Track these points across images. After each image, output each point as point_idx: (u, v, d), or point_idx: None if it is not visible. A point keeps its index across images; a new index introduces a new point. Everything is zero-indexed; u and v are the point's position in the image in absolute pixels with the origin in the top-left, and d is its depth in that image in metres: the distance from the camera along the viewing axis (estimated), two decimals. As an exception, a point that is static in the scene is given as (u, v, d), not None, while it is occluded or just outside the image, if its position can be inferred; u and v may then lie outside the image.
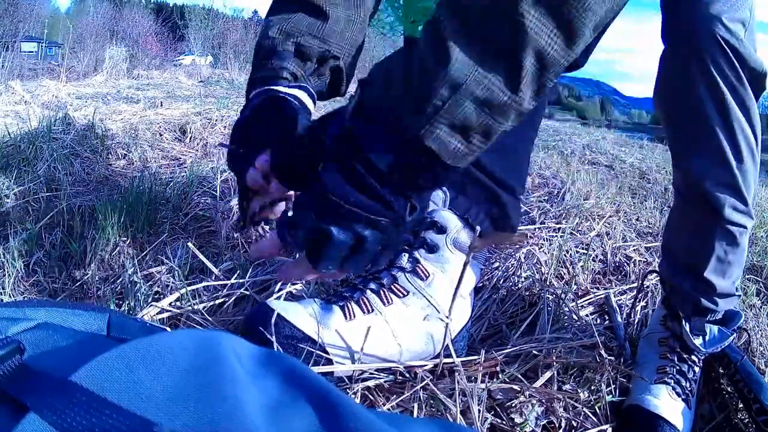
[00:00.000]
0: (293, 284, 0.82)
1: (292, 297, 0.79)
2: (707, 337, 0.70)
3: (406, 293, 0.66)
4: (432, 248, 0.68)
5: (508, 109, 0.38)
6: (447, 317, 0.64)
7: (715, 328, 0.71)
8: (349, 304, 0.65)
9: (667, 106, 0.70)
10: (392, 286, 0.66)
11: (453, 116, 0.37)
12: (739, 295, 0.74)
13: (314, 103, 0.65)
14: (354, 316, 0.63)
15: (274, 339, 0.59)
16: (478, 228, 0.54)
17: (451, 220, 0.67)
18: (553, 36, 0.35)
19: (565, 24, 0.35)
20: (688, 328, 0.70)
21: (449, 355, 0.63)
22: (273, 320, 0.60)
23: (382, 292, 0.66)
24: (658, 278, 0.82)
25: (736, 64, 0.61)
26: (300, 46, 0.65)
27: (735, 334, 0.72)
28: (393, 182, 0.40)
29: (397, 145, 0.39)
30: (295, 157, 0.48)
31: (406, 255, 0.68)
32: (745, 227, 0.68)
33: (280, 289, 0.82)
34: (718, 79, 0.62)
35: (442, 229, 0.68)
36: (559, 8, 0.35)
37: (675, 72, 0.67)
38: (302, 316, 0.61)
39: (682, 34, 0.64)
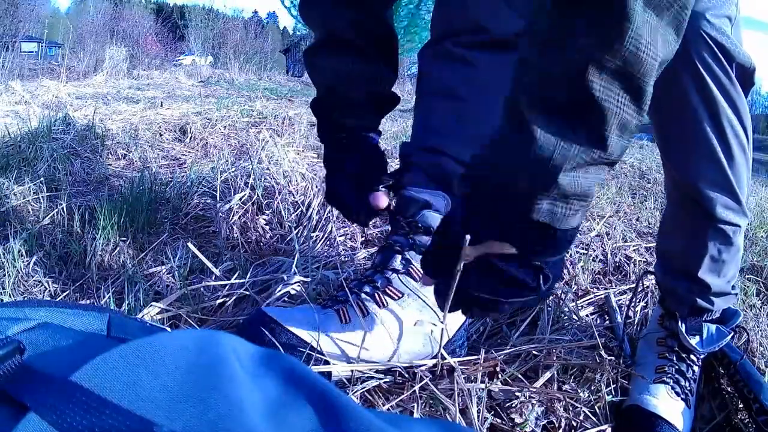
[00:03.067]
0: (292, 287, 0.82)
1: (290, 298, 0.79)
2: (704, 336, 0.70)
3: (400, 295, 0.66)
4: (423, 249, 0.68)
5: (598, 165, 0.41)
6: (441, 320, 0.64)
7: (713, 326, 0.71)
8: (344, 308, 0.64)
9: (655, 104, 0.69)
10: (387, 289, 0.66)
11: (551, 191, 0.40)
12: (736, 294, 0.74)
13: None
14: (350, 320, 0.63)
15: (276, 342, 0.59)
16: (467, 237, 0.53)
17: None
18: (622, 98, 0.38)
19: (630, 86, 0.38)
20: (684, 329, 0.70)
21: (449, 354, 0.63)
22: (269, 326, 0.60)
23: (377, 295, 0.66)
24: (654, 279, 0.82)
25: (724, 61, 0.60)
26: (377, 96, 0.74)
27: (733, 334, 0.72)
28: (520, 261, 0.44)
29: (513, 228, 0.43)
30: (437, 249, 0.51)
31: (399, 257, 0.68)
32: (738, 226, 0.67)
33: (279, 290, 0.82)
34: (706, 76, 0.61)
35: (430, 231, 0.67)
36: (622, 73, 0.37)
37: (662, 70, 0.66)
38: (298, 321, 0.61)
39: None
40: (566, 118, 0.39)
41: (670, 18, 0.38)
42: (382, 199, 0.68)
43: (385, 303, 0.65)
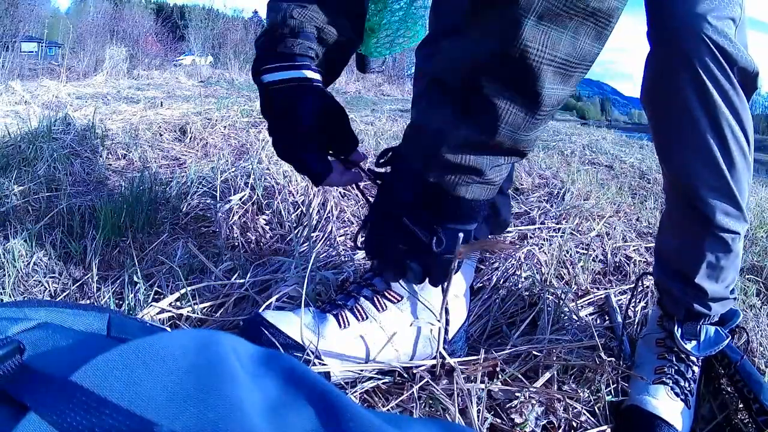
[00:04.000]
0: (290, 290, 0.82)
1: (289, 298, 0.79)
2: (702, 339, 0.69)
3: (400, 298, 0.66)
4: None
5: (492, 149, 0.50)
6: (439, 320, 0.64)
7: (712, 329, 0.70)
8: (343, 313, 0.64)
9: (654, 108, 0.68)
10: (386, 292, 0.66)
11: (446, 161, 0.50)
12: (735, 298, 0.73)
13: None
14: (348, 324, 0.63)
15: (277, 344, 0.59)
16: (461, 234, 0.55)
17: None
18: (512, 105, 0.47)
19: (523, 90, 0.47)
20: (679, 333, 0.70)
21: (449, 355, 0.63)
22: (268, 331, 0.59)
23: (375, 299, 0.65)
24: (653, 280, 0.82)
25: (725, 65, 0.59)
26: (321, 32, 0.67)
27: (731, 338, 0.71)
28: (420, 219, 0.54)
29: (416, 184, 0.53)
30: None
31: None
32: (737, 233, 0.66)
33: (279, 290, 0.82)
34: (707, 81, 0.59)
35: None
36: (514, 78, 0.46)
37: (662, 74, 0.64)
38: (296, 325, 0.61)
39: (667, 34, 0.61)
40: (460, 105, 0.48)
41: (574, 25, 0.44)
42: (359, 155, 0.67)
43: (384, 307, 0.65)
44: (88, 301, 0.83)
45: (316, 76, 0.65)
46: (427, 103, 0.52)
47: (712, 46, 0.58)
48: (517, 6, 0.42)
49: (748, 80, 0.62)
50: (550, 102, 0.47)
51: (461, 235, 0.56)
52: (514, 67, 0.45)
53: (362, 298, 0.65)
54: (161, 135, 2.01)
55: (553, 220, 1.38)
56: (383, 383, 0.63)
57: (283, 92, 0.63)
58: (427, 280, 0.67)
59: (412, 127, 0.56)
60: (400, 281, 0.67)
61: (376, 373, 0.63)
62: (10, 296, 0.82)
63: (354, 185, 0.70)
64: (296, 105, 0.62)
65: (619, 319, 0.87)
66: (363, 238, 0.64)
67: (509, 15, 0.43)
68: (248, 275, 0.87)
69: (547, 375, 0.65)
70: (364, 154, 0.69)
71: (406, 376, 0.63)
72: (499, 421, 0.59)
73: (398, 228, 0.56)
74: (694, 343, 0.70)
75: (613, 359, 0.69)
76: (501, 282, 0.95)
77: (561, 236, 1.20)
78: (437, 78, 0.51)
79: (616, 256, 1.17)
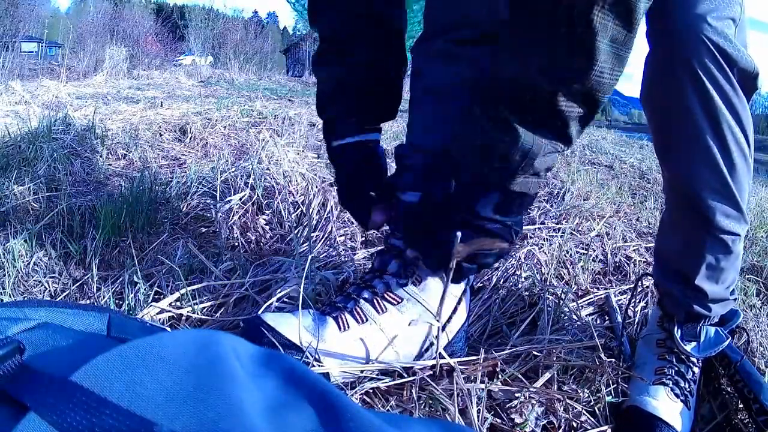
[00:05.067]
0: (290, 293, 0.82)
1: (289, 299, 0.79)
2: (702, 340, 0.69)
3: (399, 300, 0.65)
4: None
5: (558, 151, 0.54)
6: (438, 320, 0.64)
7: (712, 329, 0.70)
8: (343, 315, 0.64)
9: (653, 109, 0.67)
10: (386, 294, 0.66)
11: (528, 171, 0.53)
12: (735, 299, 0.73)
13: None
14: (348, 327, 0.63)
15: (278, 345, 0.59)
16: (458, 234, 0.56)
17: None
18: (581, 109, 0.50)
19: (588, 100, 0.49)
20: (679, 335, 0.70)
21: (449, 355, 0.63)
22: (268, 333, 0.59)
23: (375, 301, 0.65)
24: (653, 281, 0.82)
25: (725, 66, 0.59)
26: (370, 95, 0.74)
27: (731, 339, 0.71)
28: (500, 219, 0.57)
29: (497, 196, 0.56)
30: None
31: (397, 261, 0.67)
32: (737, 235, 0.66)
33: (279, 291, 0.82)
34: (707, 82, 0.59)
35: None
36: (585, 93, 0.48)
37: (661, 75, 0.63)
38: (296, 328, 0.61)
39: (666, 35, 0.61)
40: (539, 121, 0.50)
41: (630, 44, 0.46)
42: (379, 216, 0.70)
43: (384, 309, 0.65)
44: (88, 301, 0.83)
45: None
46: (502, 133, 0.52)
47: (711, 46, 0.58)
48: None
49: (748, 81, 0.61)
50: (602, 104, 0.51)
51: (459, 234, 0.56)
52: (587, 88, 0.47)
53: (362, 300, 0.65)
54: (161, 135, 2.01)
55: (553, 220, 1.38)
56: (383, 384, 0.63)
57: (344, 154, 0.74)
58: (427, 280, 0.67)
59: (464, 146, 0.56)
60: (399, 282, 0.67)
61: (376, 374, 0.63)
62: (10, 296, 0.82)
63: None
64: (351, 165, 0.74)
65: (619, 320, 0.87)
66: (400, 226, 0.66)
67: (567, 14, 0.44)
68: (248, 275, 0.87)
69: (547, 375, 0.65)
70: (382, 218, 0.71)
71: (405, 376, 0.63)
72: (499, 421, 0.59)
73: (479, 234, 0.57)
74: (694, 344, 0.69)
75: (613, 359, 0.69)
76: (501, 282, 0.95)
77: (561, 236, 1.20)
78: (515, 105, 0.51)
79: (616, 256, 1.17)
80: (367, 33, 0.70)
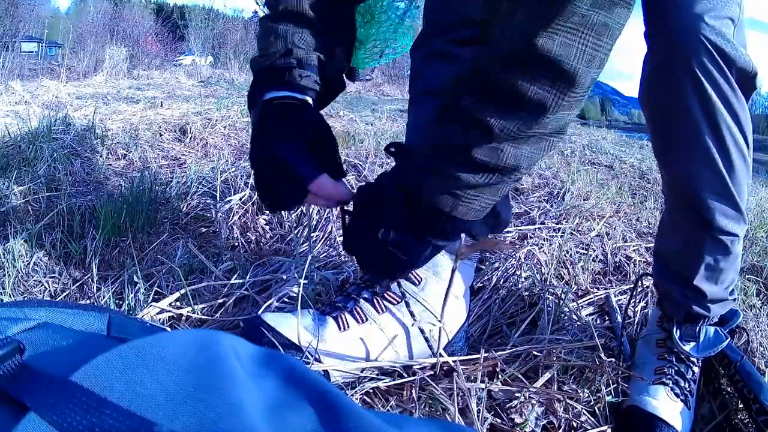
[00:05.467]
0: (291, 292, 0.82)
1: (289, 299, 0.79)
2: (701, 340, 0.69)
3: (399, 300, 0.65)
4: None
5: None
6: (439, 321, 0.64)
7: (711, 329, 0.70)
8: (342, 315, 0.64)
9: (652, 109, 0.67)
10: (385, 294, 0.66)
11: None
12: (735, 299, 0.73)
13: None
14: (348, 327, 0.63)
15: (278, 345, 0.59)
16: (462, 236, 0.55)
17: None
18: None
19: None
20: (678, 335, 0.70)
21: (449, 356, 0.63)
22: (268, 333, 0.59)
23: (375, 301, 0.65)
24: (652, 281, 0.82)
25: (723, 66, 0.58)
26: (321, 65, 0.65)
27: (730, 338, 0.71)
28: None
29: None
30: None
31: None
32: (736, 235, 0.66)
33: (279, 291, 0.82)
34: (704, 82, 0.59)
35: None
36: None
37: (659, 75, 0.63)
38: (296, 328, 0.61)
39: (664, 35, 0.60)
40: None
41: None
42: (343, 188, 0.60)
43: (384, 308, 0.65)
44: (88, 301, 0.83)
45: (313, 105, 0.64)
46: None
47: (709, 46, 0.57)
48: None
49: (747, 80, 0.61)
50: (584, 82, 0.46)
51: (463, 235, 0.56)
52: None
53: (362, 300, 0.65)
54: (161, 135, 2.01)
55: (553, 220, 1.38)
56: (383, 384, 0.63)
57: (284, 106, 0.61)
58: (427, 280, 0.67)
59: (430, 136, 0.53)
60: (399, 281, 0.67)
61: (376, 374, 0.63)
62: (10, 296, 0.82)
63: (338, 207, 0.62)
64: (294, 116, 0.60)
65: (619, 320, 0.87)
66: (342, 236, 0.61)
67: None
68: (248, 275, 0.87)
69: (547, 375, 0.65)
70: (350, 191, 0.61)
71: (406, 376, 0.63)
72: (499, 421, 0.59)
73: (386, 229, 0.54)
74: (693, 344, 0.69)
75: (613, 359, 0.69)
76: (501, 282, 0.95)
77: (561, 236, 1.20)
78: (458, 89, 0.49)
79: (616, 256, 1.17)
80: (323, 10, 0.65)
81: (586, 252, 1.16)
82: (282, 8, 0.64)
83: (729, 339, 0.70)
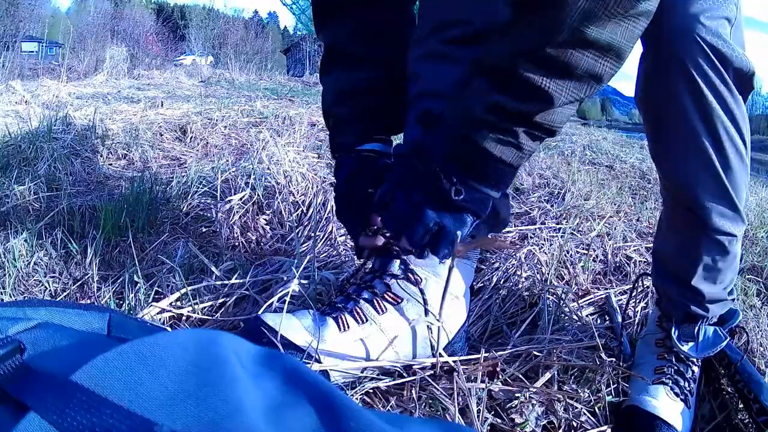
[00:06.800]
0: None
1: (290, 299, 0.79)
2: (700, 340, 0.69)
3: (399, 300, 0.65)
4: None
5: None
6: (438, 320, 0.64)
7: (711, 329, 0.70)
8: (343, 316, 0.64)
9: (648, 109, 0.67)
10: (386, 295, 0.66)
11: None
12: (734, 299, 0.73)
13: None
14: (348, 327, 0.63)
15: (279, 346, 0.59)
16: (458, 233, 0.55)
17: None
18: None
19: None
20: (676, 335, 0.70)
21: (449, 356, 0.63)
22: (267, 334, 0.59)
23: (375, 301, 0.65)
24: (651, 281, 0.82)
25: (719, 66, 0.58)
26: (371, 108, 0.72)
27: (730, 338, 0.71)
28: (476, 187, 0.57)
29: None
30: None
31: (397, 262, 0.67)
32: (734, 235, 0.66)
33: (280, 291, 0.82)
34: (700, 82, 0.58)
35: None
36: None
37: (655, 75, 0.63)
38: (296, 329, 0.61)
39: (660, 35, 0.60)
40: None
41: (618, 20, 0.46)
42: (367, 241, 0.66)
43: (384, 309, 0.65)
44: (88, 301, 0.83)
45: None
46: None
47: (705, 46, 0.57)
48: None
49: (744, 81, 0.61)
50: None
51: (459, 233, 0.56)
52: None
53: (362, 301, 0.65)
54: (162, 135, 2.01)
55: (554, 220, 1.38)
56: (383, 384, 0.63)
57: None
58: (427, 280, 0.67)
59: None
60: (399, 282, 0.67)
61: (376, 374, 0.63)
62: (10, 296, 0.82)
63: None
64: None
65: (619, 320, 0.87)
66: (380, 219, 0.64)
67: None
68: (249, 275, 0.87)
69: (548, 375, 0.65)
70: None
71: (406, 376, 0.63)
72: (499, 421, 0.59)
73: (426, 191, 0.57)
74: (692, 344, 0.69)
75: (613, 359, 0.69)
76: (501, 282, 0.95)
77: (561, 236, 1.20)
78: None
79: (616, 256, 1.17)
80: (373, 44, 0.70)
81: (586, 252, 1.16)
82: (325, 53, 0.73)
83: (728, 339, 0.70)
